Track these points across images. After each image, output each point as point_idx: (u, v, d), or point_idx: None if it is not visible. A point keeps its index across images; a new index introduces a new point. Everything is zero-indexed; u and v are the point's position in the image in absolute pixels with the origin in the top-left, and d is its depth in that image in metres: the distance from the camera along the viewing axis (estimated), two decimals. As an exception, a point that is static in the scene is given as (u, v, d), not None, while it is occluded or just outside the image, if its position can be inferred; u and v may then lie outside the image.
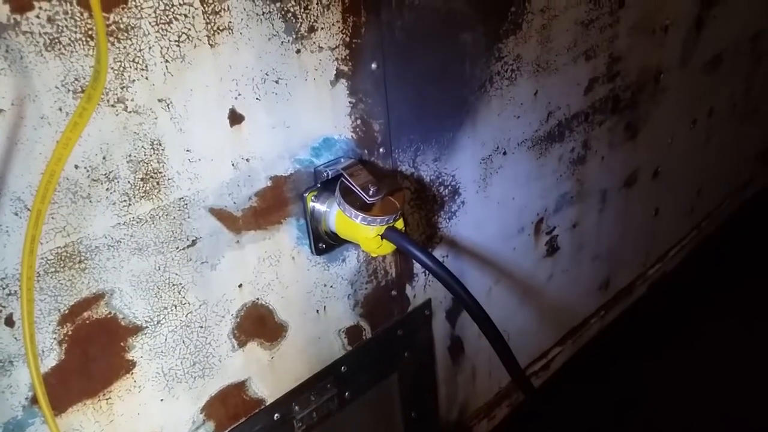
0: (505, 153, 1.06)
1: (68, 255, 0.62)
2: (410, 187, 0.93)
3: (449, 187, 0.99)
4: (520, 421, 1.34)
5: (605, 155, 1.30)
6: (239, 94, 0.70)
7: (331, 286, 0.88)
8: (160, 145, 0.65)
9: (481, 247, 1.11)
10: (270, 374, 0.85)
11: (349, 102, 0.81)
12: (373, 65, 0.82)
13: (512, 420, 1.33)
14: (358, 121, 0.83)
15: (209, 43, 0.66)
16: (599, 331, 1.52)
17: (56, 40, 0.56)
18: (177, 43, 0.63)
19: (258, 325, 0.81)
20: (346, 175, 0.79)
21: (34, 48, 0.55)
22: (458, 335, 1.14)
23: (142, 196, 0.66)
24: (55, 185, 0.51)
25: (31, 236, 0.50)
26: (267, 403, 0.85)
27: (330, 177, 0.80)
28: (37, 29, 0.55)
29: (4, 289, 0.59)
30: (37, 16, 0.54)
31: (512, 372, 0.92)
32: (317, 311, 0.88)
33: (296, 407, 0.89)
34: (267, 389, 0.85)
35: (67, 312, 0.64)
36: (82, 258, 0.63)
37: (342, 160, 0.82)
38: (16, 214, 0.58)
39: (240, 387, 0.82)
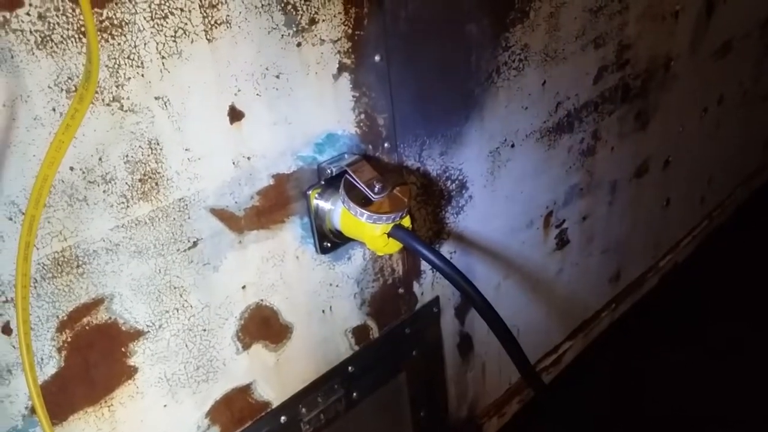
0: (513, 145, 1.04)
1: (65, 260, 0.60)
2: (416, 182, 0.91)
3: (456, 182, 0.97)
4: (531, 417, 1.32)
5: (615, 145, 1.27)
6: (239, 90, 0.68)
7: (337, 286, 0.86)
8: (157, 144, 0.63)
9: (489, 241, 1.08)
10: (276, 376, 0.83)
11: (353, 96, 0.79)
12: (377, 57, 0.80)
13: (523, 416, 1.31)
14: (362, 116, 0.81)
15: (207, 38, 0.64)
16: (610, 325, 1.50)
17: (48, 38, 0.54)
18: (173, 38, 0.61)
19: (262, 326, 0.79)
20: (350, 172, 0.77)
21: (25, 46, 0.53)
22: (467, 332, 1.12)
23: (141, 198, 0.64)
24: (48, 190, 0.49)
25: (25, 242, 0.48)
26: (273, 406, 0.84)
27: (334, 174, 0.78)
28: (27, 27, 0.52)
29: (0, 296, 0.57)
30: (28, 14, 0.52)
31: (522, 370, 0.90)
32: (323, 311, 0.86)
33: (303, 409, 0.87)
34: (273, 392, 0.83)
35: (65, 318, 0.62)
36: (80, 262, 0.61)
37: (346, 156, 0.80)
38: (11, 219, 0.56)
39: (245, 390, 0.80)
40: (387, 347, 0.96)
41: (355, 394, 0.93)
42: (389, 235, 0.76)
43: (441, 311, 1.04)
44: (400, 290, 0.96)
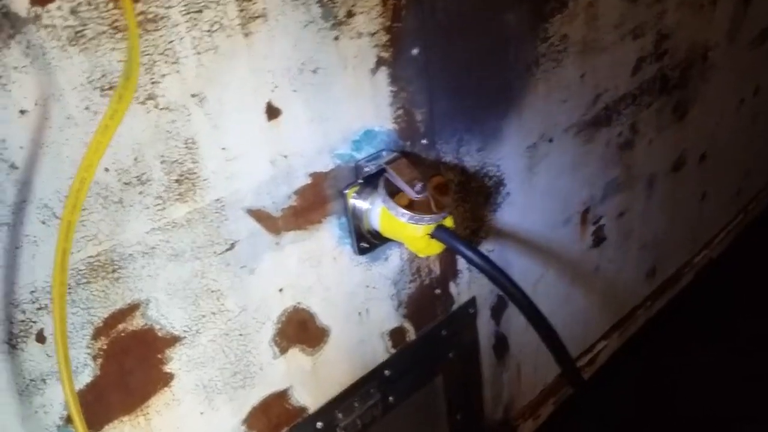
0: (551, 140, 1.01)
1: (101, 264, 0.58)
2: (454, 179, 0.88)
3: (494, 178, 0.94)
4: (566, 418, 1.29)
5: (653, 138, 1.23)
6: (276, 87, 0.65)
7: (374, 287, 0.84)
8: (194, 143, 0.61)
9: (527, 239, 1.05)
10: (312, 381, 0.80)
11: (391, 91, 0.76)
12: (415, 51, 0.77)
13: (557, 417, 1.28)
14: (400, 111, 0.78)
15: (243, 32, 0.61)
16: (645, 322, 1.46)
17: (80, 34, 0.51)
18: (209, 33, 0.59)
19: (299, 330, 0.77)
20: (390, 170, 0.74)
21: (57, 43, 0.50)
22: (503, 333, 1.08)
23: (177, 199, 0.61)
24: (85, 193, 0.47)
25: (62, 249, 0.46)
26: (310, 412, 0.81)
27: (372, 172, 0.75)
28: (59, 22, 0.50)
29: (34, 303, 0.55)
30: (59, 8, 0.50)
31: (568, 373, 0.87)
32: (359, 313, 0.83)
33: (339, 415, 0.84)
34: (310, 397, 0.81)
35: (101, 325, 0.59)
36: (116, 267, 0.59)
37: (384, 153, 0.77)
38: (44, 223, 0.54)
39: (282, 396, 0.78)
40: (423, 350, 0.94)
41: (391, 398, 0.90)
42: (431, 236, 0.73)
43: (477, 312, 1.01)
44: (437, 291, 0.93)
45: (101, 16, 0.52)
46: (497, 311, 1.05)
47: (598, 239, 1.21)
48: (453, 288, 0.95)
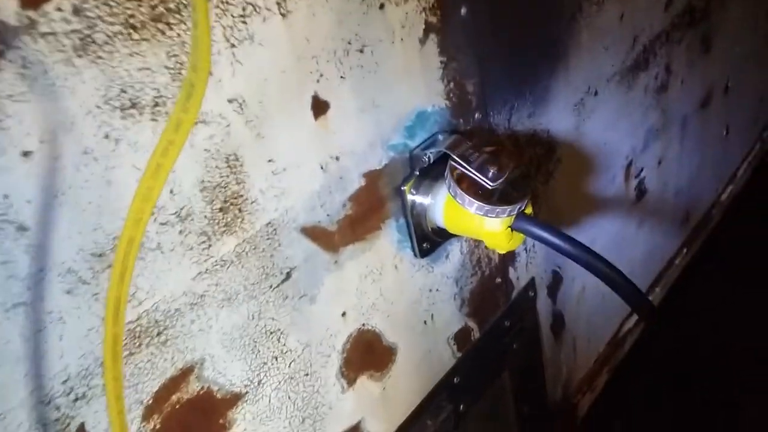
0: (596, 93, 0.89)
1: (143, 329, 0.46)
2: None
3: (545, 145, 0.83)
4: (619, 386, 1.21)
5: (684, 77, 1.13)
6: (321, 75, 0.53)
7: (437, 290, 0.72)
8: (236, 159, 0.48)
9: (577, 206, 0.95)
10: (383, 408, 0.69)
11: (440, 62, 0.64)
12: (463, 10, 0.64)
13: (612, 386, 1.20)
14: (451, 84, 0.66)
15: (280, 13, 0.48)
16: (683, 270, 1.38)
17: (89, 39, 0.38)
18: (242, 18, 0.46)
19: (366, 354, 0.66)
20: (455, 157, 0.62)
21: (61, 55, 0.37)
22: (559, 309, 0.99)
23: (224, 231, 0.49)
24: (135, 257, 0.34)
25: (113, 335, 0.34)
26: (383, 441, 0.71)
27: (432, 161, 0.63)
28: (60, 27, 0.37)
29: (68, 394, 0.42)
30: (59, 9, 0.36)
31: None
32: (425, 322, 0.72)
33: (414, 436, 0.74)
34: (382, 425, 0.70)
35: (151, 402, 0.47)
36: (161, 328, 0.47)
37: (440, 136, 0.65)
38: (69, 293, 0.41)
39: (354, 431, 0.67)
40: (489, 346, 0.83)
41: (462, 406, 0.80)
42: (513, 228, 0.62)
43: (536, 294, 0.91)
44: (497, 280, 0.82)
45: (113, 12, 0.38)
46: (553, 288, 0.95)
47: (641, 192, 1.11)
48: (512, 273, 0.85)
